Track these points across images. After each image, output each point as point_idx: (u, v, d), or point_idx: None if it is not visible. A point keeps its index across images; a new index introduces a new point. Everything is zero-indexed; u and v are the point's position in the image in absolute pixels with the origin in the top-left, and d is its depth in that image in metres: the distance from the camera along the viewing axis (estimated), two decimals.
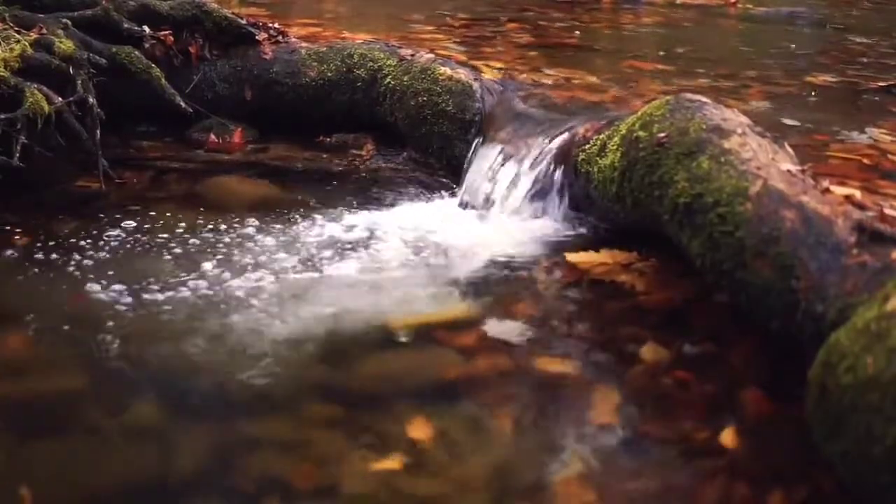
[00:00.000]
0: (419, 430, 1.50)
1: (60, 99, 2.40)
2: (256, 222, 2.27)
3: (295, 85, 2.88)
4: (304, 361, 1.69)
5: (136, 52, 2.71)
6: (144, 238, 2.16)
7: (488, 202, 2.39)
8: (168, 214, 2.30)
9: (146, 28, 2.79)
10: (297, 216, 2.33)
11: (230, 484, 1.36)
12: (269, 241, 2.17)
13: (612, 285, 1.98)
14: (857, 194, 1.63)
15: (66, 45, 2.51)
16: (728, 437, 1.47)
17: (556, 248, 2.18)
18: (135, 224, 2.23)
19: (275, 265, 2.04)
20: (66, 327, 1.76)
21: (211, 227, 2.23)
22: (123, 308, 1.84)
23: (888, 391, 1.13)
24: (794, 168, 1.73)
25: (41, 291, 1.89)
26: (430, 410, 1.56)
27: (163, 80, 2.72)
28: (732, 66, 3.57)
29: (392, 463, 1.40)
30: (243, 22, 2.95)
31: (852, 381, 1.18)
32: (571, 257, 2.10)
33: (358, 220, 2.32)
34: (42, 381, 1.63)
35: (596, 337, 1.84)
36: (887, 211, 1.53)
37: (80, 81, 2.48)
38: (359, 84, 2.84)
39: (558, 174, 2.31)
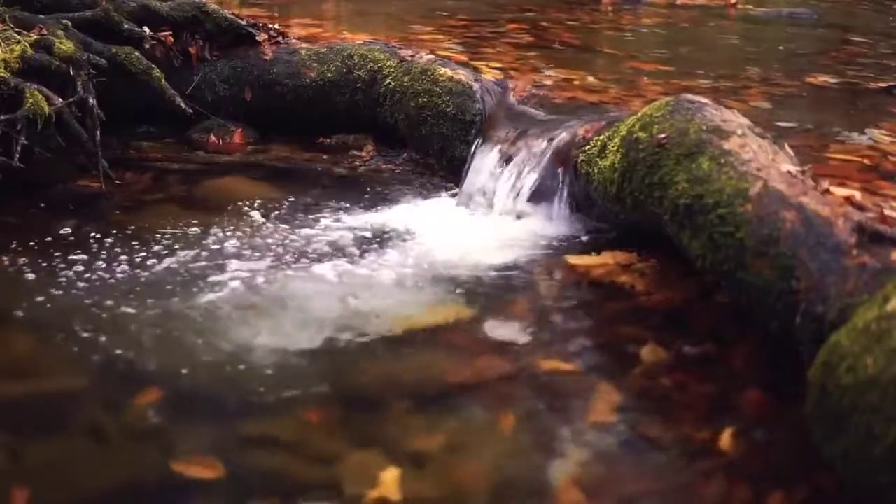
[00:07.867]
0: (419, 431, 1.50)
1: (61, 100, 2.40)
2: (256, 223, 2.27)
3: (295, 86, 2.88)
4: (304, 363, 1.69)
5: (137, 53, 2.71)
6: (144, 239, 2.16)
7: (489, 203, 2.39)
8: (168, 215, 2.30)
9: (146, 29, 2.79)
10: (297, 217, 2.33)
11: (230, 484, 1.37)
12: (269, 242, 2.17)
13: (613, 286, 1.98)
14: (857, 195, 1.63)
15: (66, 45, 2.51)
16: (728, 437, 1.47)
17: (557, 249, 2.18)
18: (135, 225, 2.23)
19: (274, 266, 2.04)
20: (66, 327, 1.76)
21: (211, 228, 2.22)
22: (123, 308, 1.84)
23: (888, 391, 1.13)
24: (794, 169, 1.73)
25: (41, 292, 1.89)
26: (431, 411, 1.56)
27: (163, 80, 2.73)
28: (732, 67, 3.58)
29: (393, 464, 1.40)
30: (243, 23, 2.95)
31: (852, 382, 1.18)
32: (571, 258, 2.10)
33: (358, 221, 2.32)
34: (42, 381, 1.63)
35: (596, 338, 1.84)
36: (887, 212, 1.54)
37: (80, 82, 2.48)
38: (359, 85, 2.84)
39: (558, 175, 2.31)
